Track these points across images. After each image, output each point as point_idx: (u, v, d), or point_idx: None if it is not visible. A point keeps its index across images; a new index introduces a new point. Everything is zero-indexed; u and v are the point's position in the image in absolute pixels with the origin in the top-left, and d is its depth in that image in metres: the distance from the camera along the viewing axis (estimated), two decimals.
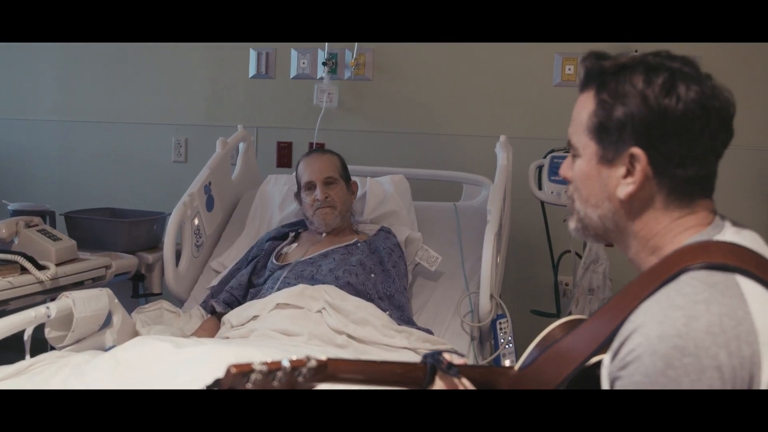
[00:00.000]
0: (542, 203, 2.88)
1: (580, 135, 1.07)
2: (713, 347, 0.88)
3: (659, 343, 0.89)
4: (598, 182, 1.06)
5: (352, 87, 3.25)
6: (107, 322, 2.07)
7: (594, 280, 2.70)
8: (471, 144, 3.16)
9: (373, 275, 2.30)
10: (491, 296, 2.22)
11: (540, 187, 2.76)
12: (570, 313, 2.67)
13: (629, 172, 1.02)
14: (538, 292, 3.08)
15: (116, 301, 2.06)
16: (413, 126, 3.23)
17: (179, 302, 2.50)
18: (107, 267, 2.44)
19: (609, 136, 1.03)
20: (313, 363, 0.97)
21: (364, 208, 2.61)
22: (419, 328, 2.20)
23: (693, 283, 0.93)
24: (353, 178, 2.56)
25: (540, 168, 2.76)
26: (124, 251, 2.62)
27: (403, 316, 2.25)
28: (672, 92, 0.99)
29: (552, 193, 2.68)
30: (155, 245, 2.75)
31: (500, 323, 2.28)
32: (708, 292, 0.92)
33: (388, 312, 2.21)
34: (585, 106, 1.06)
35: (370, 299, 2.22)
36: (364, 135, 3.28)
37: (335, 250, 2.37)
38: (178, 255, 2.50)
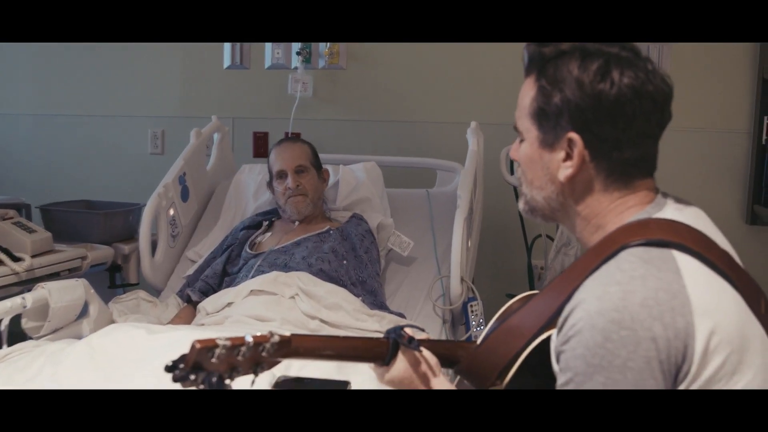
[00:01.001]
0: (515, 188, 2.91)
1: (523, 119, 1.11)
2: (648, 320, 0.92)
3: (598, 317, 0.93)
4: (541, 165, 1.09)
5: (326, 76, 3.27)
6: (84, 312, 2.09)
7: (566, 262, 2.73)
8: (445, 131, 3.18)
9: (345, 262, 2.33)
10: (462, 279, 2.25)
11: (512, 173, 2.79)
12: None
13: (568, 156, 1.06)
14: (513, 275, 3.11)
15: (92, 291, 2.09)
16: (387, 114, 3.25)
17: (156, 292, 2.53)
18: (83, 258, 2.47)
19: (548, 121, 1.06)
20: (276, 338, 1.01)
21: (337, 196, 2.64)
22: (392, 312, 2.24)
23: (631, 260, 0.97)
24: (325, 166, 2.58)
25: None
26: (100, 242, 2.63)
27: (375, 300, 2.28)
28: (606, 77, 1.02)
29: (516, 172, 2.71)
30: (131, 236, 2.77)
31: (471, 306, 2.32)
32: (644, 268, 0.96)
33: (360, 297, 2.25)
34: (527, 91, 1.09)
35: (342, 285, 2.25)
36: (339, 124, 3.30)
37: (308, 238, 2.40)
38: (154, 245, 2.53)
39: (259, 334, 0.99)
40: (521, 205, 1.16)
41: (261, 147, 3.36)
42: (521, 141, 1.12)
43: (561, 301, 1.02)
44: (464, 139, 2.72)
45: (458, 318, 2.35)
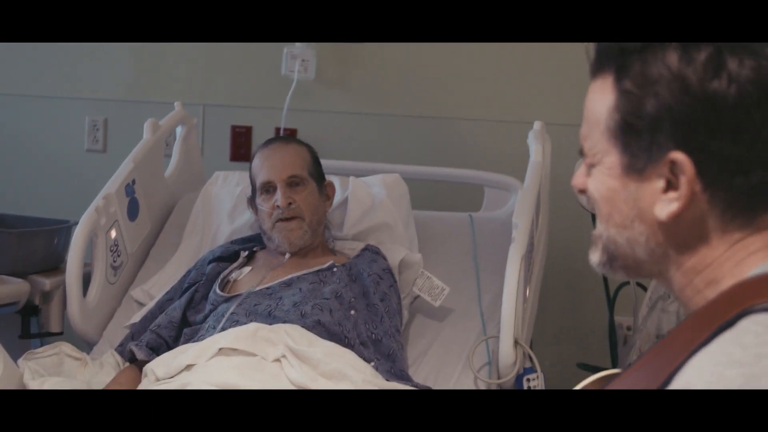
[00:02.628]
0: (593, 216, 2.89)
1: (595, 138, 1.08)
2: None
3: None
4: (625, 198, 1.07)
5: (334, 52, 3.28)
6: None
7: (664, 322, 2.71)
8: (497, 133, 3.19)
9: (353, 312, 2.32)
10: (516, 342, 2.24)
11: None
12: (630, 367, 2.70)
13: (670, 185, 1.04)
14: (588, 338, 3.10)
15: None
16: (417, 107, 3.26)
17: (87, 345, 2.52)
18: None
19: (638, 138, 1.04)
20: None
21: (345, 220, 2.64)
22: (416, 386, 2.23)
23: (757, 330, 0.95)
24: (329, 178, 2.58)
25: None
26: (11, 274, 2.63)
27: (394, 368, 2.27)
28: (720, 71, 1.00)
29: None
30: (55, 266, 2.76)
31: (528, 379, 2.31)
32: None
33: (373, 362, 2.23)
34: (599, 98, 1.08)
35: (348, 344, 2.24)
36: (349, 118, 3.31)
37: (303, 277, 2.39)
38: (86, 280, 2.52)
39: None
40: (595, 256, 1.14)
41: (241, 147, 3.38)
42: (591, 166, 1.11)
43: (656, 387, 1.00)
44: (524, 145, 2.72)
45: None
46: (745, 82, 1.00)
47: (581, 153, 1.12)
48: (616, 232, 1.09)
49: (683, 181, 1.02)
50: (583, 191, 1.13)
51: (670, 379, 0.98)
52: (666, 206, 1.04)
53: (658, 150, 1.03)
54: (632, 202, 1.07)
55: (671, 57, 1.02)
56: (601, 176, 1.09)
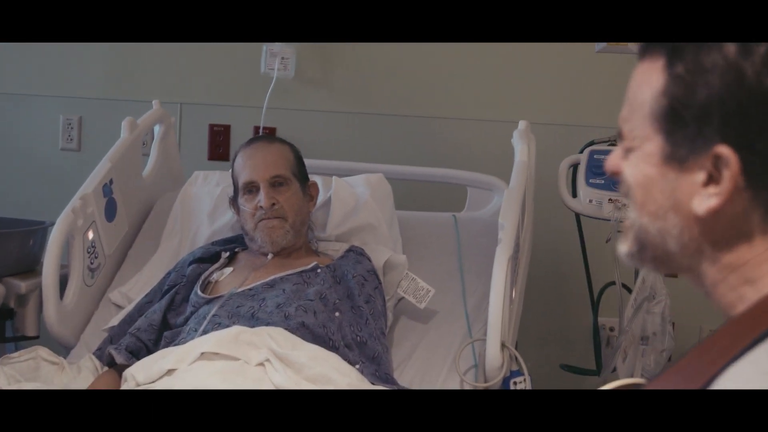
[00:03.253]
0: (577, 216, 2.89)
1: (638, 122, 1.07)
2: None
3: None
4: (662, 188, 1.05)
5: (314, 50, 3.28)
6: None
7: (649, 323, 2.72)
8: (482, 132, 3.20)
9: (337, 314, 2.33)
10: (503, 345, 2.24)
11: (574, 194, 2.77)
12: (615, 369, 2.69)
13: (712, 179, 1.02)
14: (571, 339, 3.12)
15: None
16: (401, 105, 3.26)
17: (64, 349, 2.50)
18: None
19: (684, 126, 1.02)
20: None
21: (328, 220, 2.64)
22: (401, 389, 2.22)
23: None
24: (312, 178, 2.58)
25: (575, 167, 2.77)
26: None
27: (378, 371, 2.27)
28: None
29: (591, 201, 2.70)
30: (31, 268, 2.75)
31: (515, 383, 2.31)
32: None
33: (357, 365, 2.24)
34: (648, 81, 1.06)
35: (333, 347, 2.24)
36: (332, 117, 3.31)
37: (286, 278, 2.39)
38: (63, 282, 2.50)
39: None
40: (624, 246, 1.12)
41: (220, 146, 3.37)
42: (629, 150, 1.08)
43: None
44: (508, 145, 2.72)
45: None
46: None
47: (619, 136, 1.10)
48: (648, 221, 1.07)
49: (726, 177, 1.00)
50: (616, 174, 1.11)
51: (708, 385, 0.96)
52: (705, 200, 1.03)
53: (704, 142, 1.01)
54: (669, 192, 1.05)
55: (729, 47, 1.00)
56: (639, 162, 1.07)
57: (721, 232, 1.04)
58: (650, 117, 1.05)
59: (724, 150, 1.00)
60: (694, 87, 1.01)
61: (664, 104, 1.04)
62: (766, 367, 0.92)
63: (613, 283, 2.83)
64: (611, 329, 3.05)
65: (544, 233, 2.96)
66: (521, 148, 2.62)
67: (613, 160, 1.11)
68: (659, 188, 1.06)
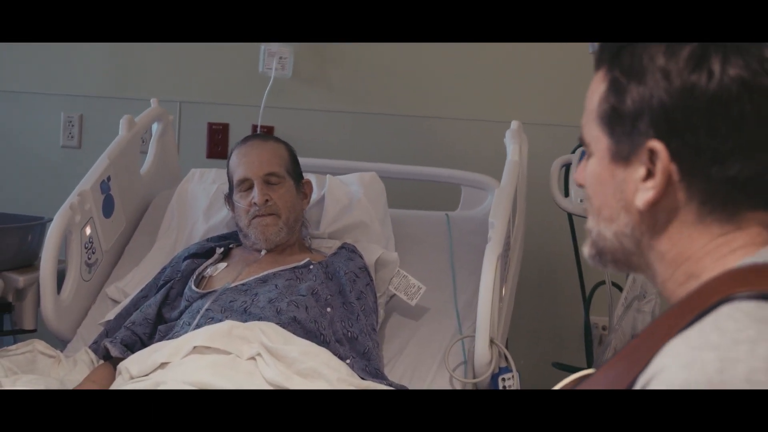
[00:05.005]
0: (569, 216, 2.91)
1: (590, 125, 1.12)
2: None
3: None
4: (613, 188, 1.09)
5: (311, 50, 3.29)
6: None
7: (639, 321, 2.73)
8: (473, 132, 3.20)
9: (329, 309, 2.33)
10: (491, 342, 2.25)
11: (566, 193, 2.79)
12: None
13: (649, 174, 1.06)
14: (564, 338, 3.11)
15: None
16: (395, 105, 3.27)
17: (61, 343, 2.51)
18: None
19: (623, 124, 1.07)
20: None
21: (322, 218, 2.65)
22: (391, 385, 2.23)
23: (736, 317, 0.96)
24: (307, 176, 2.58)
25: (567, 167, 2.79)
26: None
27: (369, 366, 2.28)
28: (702, 66, 1.03)
29: (582, 201, 2.71)
30: (29, 263, 2.76)
31: (504, 379, 2.32)
32: (755, 329, 0.94)
33: (348, 360, 2.24)
34: (596, 88, 1.11)
35: (324, 342, 2.25)
36: (327, 116, 3.32)
37: (278, 274, 2.39)
38: (60, 277, 2.52)
39: None
40: (586, 249, 1.16)
41: (218, 145, 3.38)
42: (589, 156, 1.13)
43: (633, 376, 1.00)
44: (501, 145, 2.73)
45: None
46: (726, 77, 1.02)
47: (581, 141, 1.14)
48: (605, 226, 1.12)
49: (659, 168, 1.05)
50: (582, 185, 1.15)
51: (648, 365, 0.98)
52: (643, 194, 1.06)
53: (639, 137, 1.06)
54: (620, 193, 1.09)
55: (658, 50, 1.04)
56: (593, 165, 1.12)
57: (661, 225, 1.08)
58: (597, 119, 1.10)
59: (655, 144, 1.04)
60: (628, 87, 1.06)
61: (607, 106, 1.09)
62: (696, 342, 0.94)
63: (604, 282, 2.85)
64: (603, 328, 3.06)
65: (537, 232, 2.97)
66: (513, 147, 2.64)
67: (578, 173, 1.16)
68: (611, 190, 1.10)
